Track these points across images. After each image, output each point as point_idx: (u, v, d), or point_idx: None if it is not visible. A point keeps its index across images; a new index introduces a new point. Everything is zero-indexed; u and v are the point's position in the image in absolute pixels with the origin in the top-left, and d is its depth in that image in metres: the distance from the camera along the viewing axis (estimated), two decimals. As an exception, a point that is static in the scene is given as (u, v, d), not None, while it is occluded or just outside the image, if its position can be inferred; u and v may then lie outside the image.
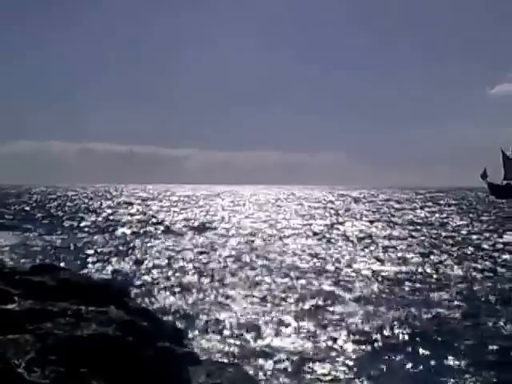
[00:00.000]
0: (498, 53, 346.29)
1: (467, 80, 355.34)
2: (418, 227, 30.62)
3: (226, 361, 7.62)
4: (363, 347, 8.44)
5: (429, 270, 16.18)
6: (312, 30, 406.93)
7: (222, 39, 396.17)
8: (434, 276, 15.30)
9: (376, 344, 8.71)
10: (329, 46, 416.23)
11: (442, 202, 74.87)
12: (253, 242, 23.59)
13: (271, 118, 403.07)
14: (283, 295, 12.54)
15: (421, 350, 8.48)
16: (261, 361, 7.88)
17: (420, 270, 16.28)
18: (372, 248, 21.33)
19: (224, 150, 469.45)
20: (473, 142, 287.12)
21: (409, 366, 7.86)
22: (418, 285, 13.91)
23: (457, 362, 7.90)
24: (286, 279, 14.47)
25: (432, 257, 19.00)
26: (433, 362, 7.95)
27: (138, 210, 47.00)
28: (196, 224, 32.24)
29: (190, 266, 16.98)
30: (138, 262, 17.22)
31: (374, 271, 15.86)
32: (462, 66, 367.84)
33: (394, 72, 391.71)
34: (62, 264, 14.57)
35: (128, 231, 27.02)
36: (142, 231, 27.34)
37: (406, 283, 14.14)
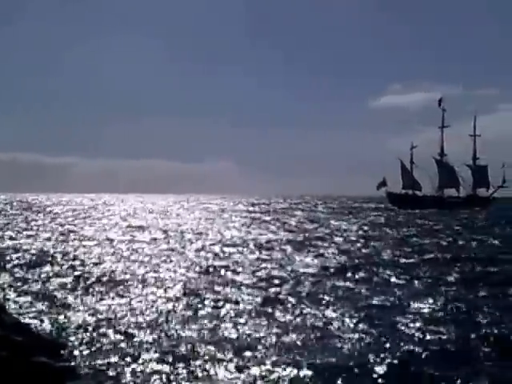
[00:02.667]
0: (380, 66, 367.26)
1: (353, 92, 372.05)
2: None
3: (105, 374, 7.83)
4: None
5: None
6: (196, 29, 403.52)
7: (108, 41, 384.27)
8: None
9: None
10: (213, 47, 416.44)
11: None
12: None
13: (158, 124, 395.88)
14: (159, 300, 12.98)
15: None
16: (141, 373, 8.13)
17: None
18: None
19: (110, 157, 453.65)
20: (360, 152, 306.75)
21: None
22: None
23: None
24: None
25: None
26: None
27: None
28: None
29: (65, 273, 17.03)
30: (12, 274, 16.78)
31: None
32: (347, 78, 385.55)
33: (285, 79, 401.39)
34: None
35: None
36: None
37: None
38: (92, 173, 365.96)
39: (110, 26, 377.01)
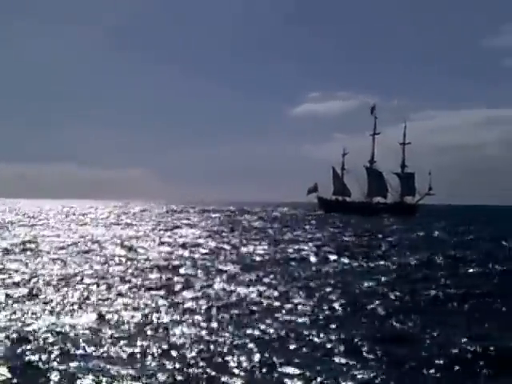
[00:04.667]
0: (298, 74, 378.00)
1: (271, 100, 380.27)
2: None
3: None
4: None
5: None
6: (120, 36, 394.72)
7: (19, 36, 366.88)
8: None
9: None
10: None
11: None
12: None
13: (74, 128, 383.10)
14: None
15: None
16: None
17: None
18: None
19: (27, 161, 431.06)
20: (281, 159, 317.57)
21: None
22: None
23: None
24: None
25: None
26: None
27: None
28: None
29: None
30: None
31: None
32: (266, 85, 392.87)
33: (207, 88, 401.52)
34: None
35: None
36: None
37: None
38: (5, 177, 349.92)
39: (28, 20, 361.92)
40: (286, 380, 8.32)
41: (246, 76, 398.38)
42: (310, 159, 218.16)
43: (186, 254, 24.95)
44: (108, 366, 8.66)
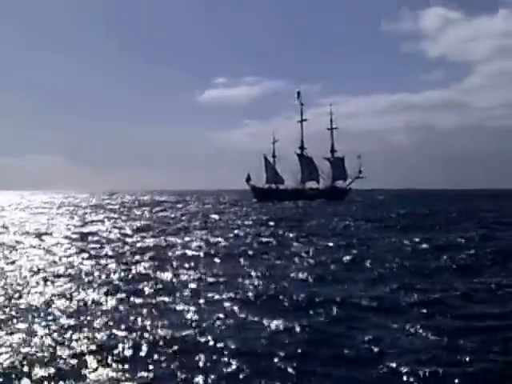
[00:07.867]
0: (205, 60, 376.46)
1: (178, 86, 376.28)
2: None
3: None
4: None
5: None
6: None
7: None
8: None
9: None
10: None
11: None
12: None
13: None
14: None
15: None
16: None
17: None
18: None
19: None
20: (189, 146, 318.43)
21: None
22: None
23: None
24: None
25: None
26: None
27: None
28: None
29: None
30: None
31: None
32: (172, 71, 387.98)
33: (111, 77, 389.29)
34: None
35: None
36: None
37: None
38: None
39: None
40: None
41: (154, 59, 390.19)
42: (219, 146, 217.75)
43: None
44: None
